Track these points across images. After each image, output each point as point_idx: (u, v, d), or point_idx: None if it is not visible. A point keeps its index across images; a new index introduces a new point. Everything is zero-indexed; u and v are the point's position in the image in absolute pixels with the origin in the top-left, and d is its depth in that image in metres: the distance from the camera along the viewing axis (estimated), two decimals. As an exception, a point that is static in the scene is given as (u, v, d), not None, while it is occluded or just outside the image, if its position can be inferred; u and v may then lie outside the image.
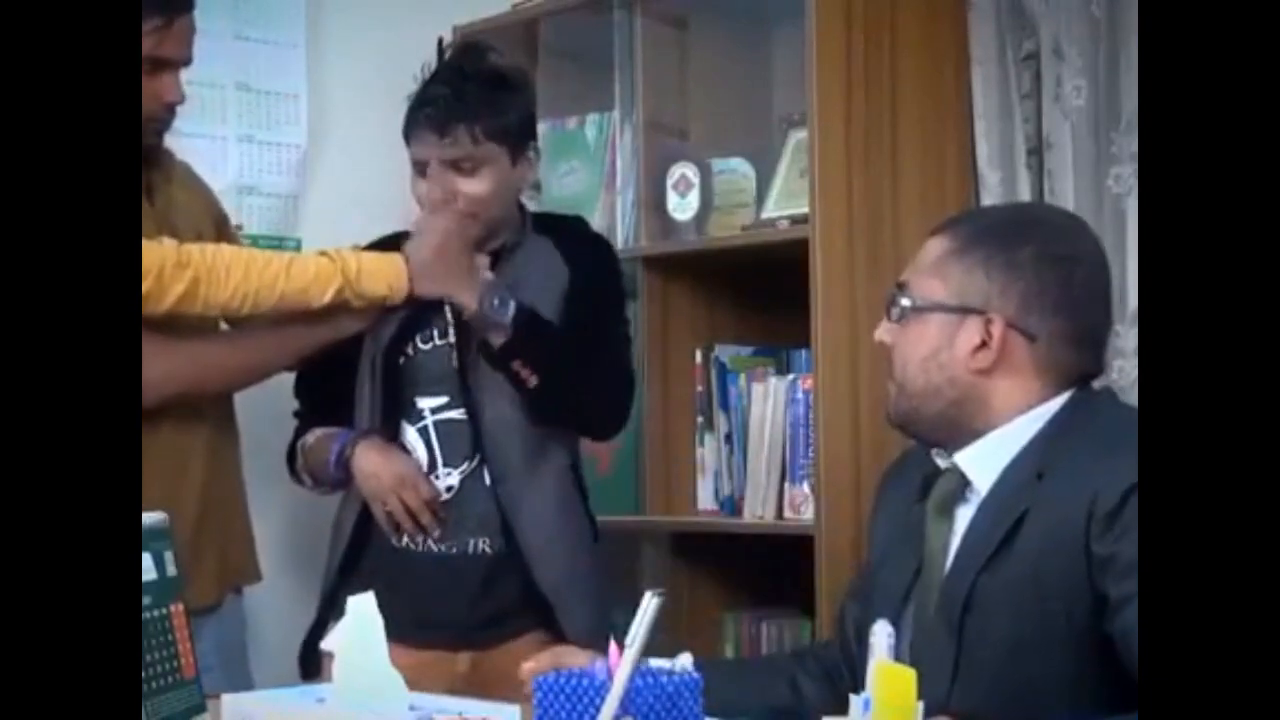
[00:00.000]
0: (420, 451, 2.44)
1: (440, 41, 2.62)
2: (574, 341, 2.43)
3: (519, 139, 2.47)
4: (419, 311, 2.45)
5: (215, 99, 3.01)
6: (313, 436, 2.51)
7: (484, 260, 2.44)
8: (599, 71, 3.18)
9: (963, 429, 1.79)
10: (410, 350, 2.46)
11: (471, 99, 2.43)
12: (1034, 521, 1.70)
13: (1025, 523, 1.70)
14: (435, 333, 2.46)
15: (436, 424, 2.44)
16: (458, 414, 2.44)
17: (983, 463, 1.78)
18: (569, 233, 2.57)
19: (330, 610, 2.40)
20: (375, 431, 2.44)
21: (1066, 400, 1.78)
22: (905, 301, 1.83)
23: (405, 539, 2.43)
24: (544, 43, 3.34)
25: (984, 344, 1.77)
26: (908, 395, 1.84)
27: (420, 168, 2.44)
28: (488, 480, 2.43)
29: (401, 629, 2.29)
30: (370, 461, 2.41)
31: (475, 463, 2.43)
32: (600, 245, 2.62)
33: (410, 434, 2.46)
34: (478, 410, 2.43)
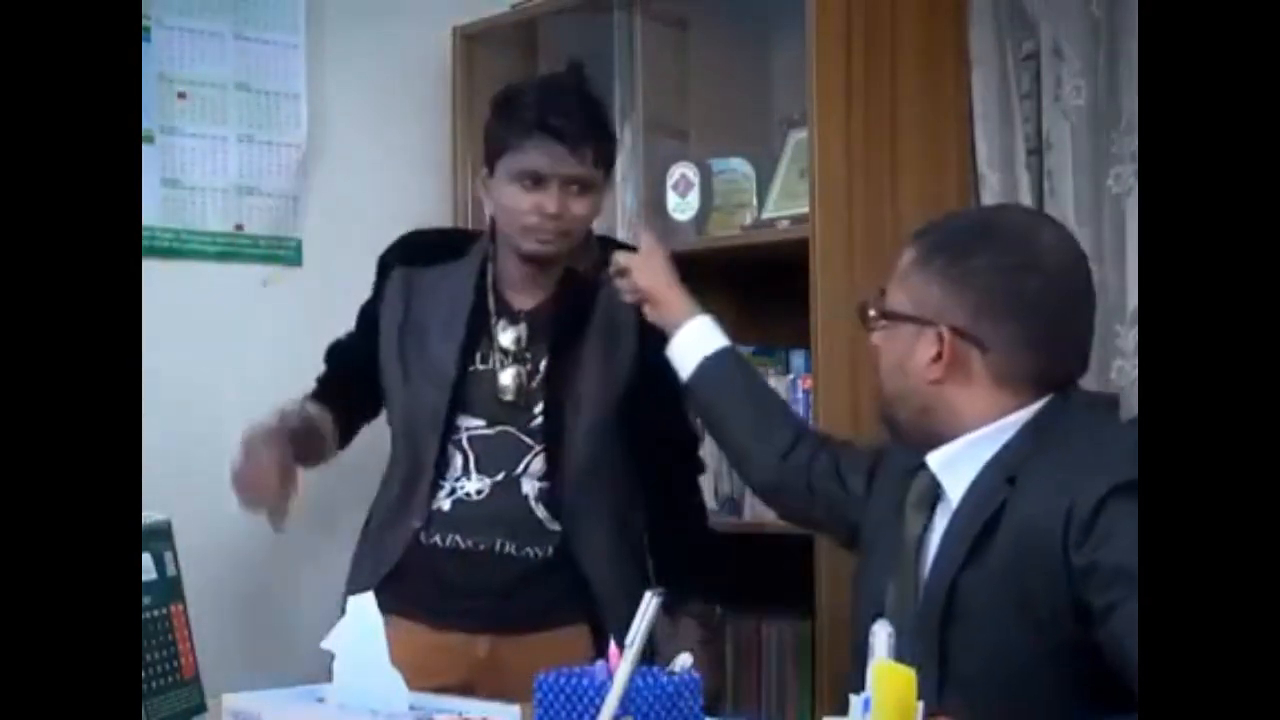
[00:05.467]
0: (456, 460, 2.47)
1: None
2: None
3: (611, 170, 2.54)
4: (471, 336, 2.48)
5: (215, 99, 3.02)
6: (295, 406, 2.52)
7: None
8: (599, 71, 3.18)
9: (933, 435, 1.81)
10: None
11: (594, 122, 2.47)
12: (1007, 526, 1.70)
13: (1000, 524, 1.70)
14: (478, 356, 2.49)
15: (471, 438, 2.47)
16: (491, 431, 2.47)
17: (953, 467, 1.79)
18: None
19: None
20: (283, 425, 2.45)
21: (1042, 406, 1.78)
22: (871, 311, 1.88)
23: (427, 535, 2.46)
24: (544, 43, 3.34)
25: (940, 355, 1.79)
26: (883, 400, 1.89)
27: (533, 178, 2.42)
28: (524, 491, 2.45)
29: (423, 613, 2.40)
30: (243, 440, 2.42)
31: (509, 475, 2.45)
32: None
33: (447, 446, 2.49)
34: (560, 431, 2.46)
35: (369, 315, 2.58)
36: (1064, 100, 2.78)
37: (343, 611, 1.79)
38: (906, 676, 1.40)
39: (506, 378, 2.47)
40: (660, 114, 3.04)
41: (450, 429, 2.46)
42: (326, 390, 2.59)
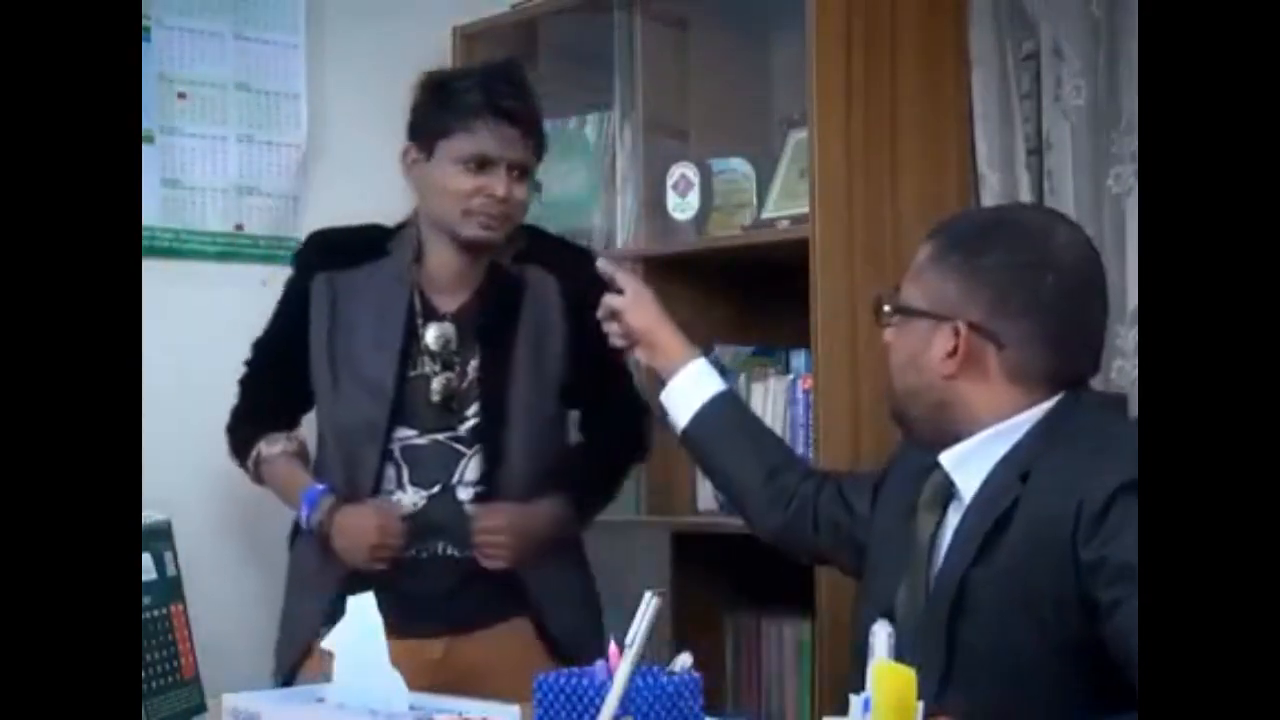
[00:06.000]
0: (389, 472, 2.46)
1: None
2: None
3: (541, 161, 2.54)
4: (406, 345, 2.47)
5: (215, 99, 3.02)
6: (275, 450, 2.51)
7: None
8: (599, 71, 3.18)
9: (947, 432, 1.81)
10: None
11: (537, 110, 2.50)
12: (1019, 523, 1.70)
13: (1012, 520, 1.71)
14: (409, 362, 2.47)
15: (403, 448, 2.46)
16: (423, 440, 2.46)
17: (966, 464, 1.80)
18: (573, 275, 2.53)
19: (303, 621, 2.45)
20: (340, 499, 2.45)
21: (1054, 405, 1.79)
22: (886, 307, 1.87)
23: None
24: (544, 43, 3.34)
25: (955, 349, 1.79)
26: (895, 397, 1.89)
27: (480, 161, 2.43)
28: (460, 498, 2.46)
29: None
30: (346, 533, 2.42)
31: (444, 486, 2.46)
32: (600, 288, 2.59)
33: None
34: (496, 435, 2.46)
35: (294, 318, 2.53)
36: (1064, 100, 2.78)
37: (341, 612, 1.79)
38: (906, 676, 1.40)
39: (437, 383, 2.46)
40: (660, 114, 3.04)
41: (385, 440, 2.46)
42: (275, 417, 2.56)
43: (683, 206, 2.96)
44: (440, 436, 2.46)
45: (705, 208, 2.95)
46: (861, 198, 2.72)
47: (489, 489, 2.46)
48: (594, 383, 2.52)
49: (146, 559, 1.70)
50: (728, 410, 2.21)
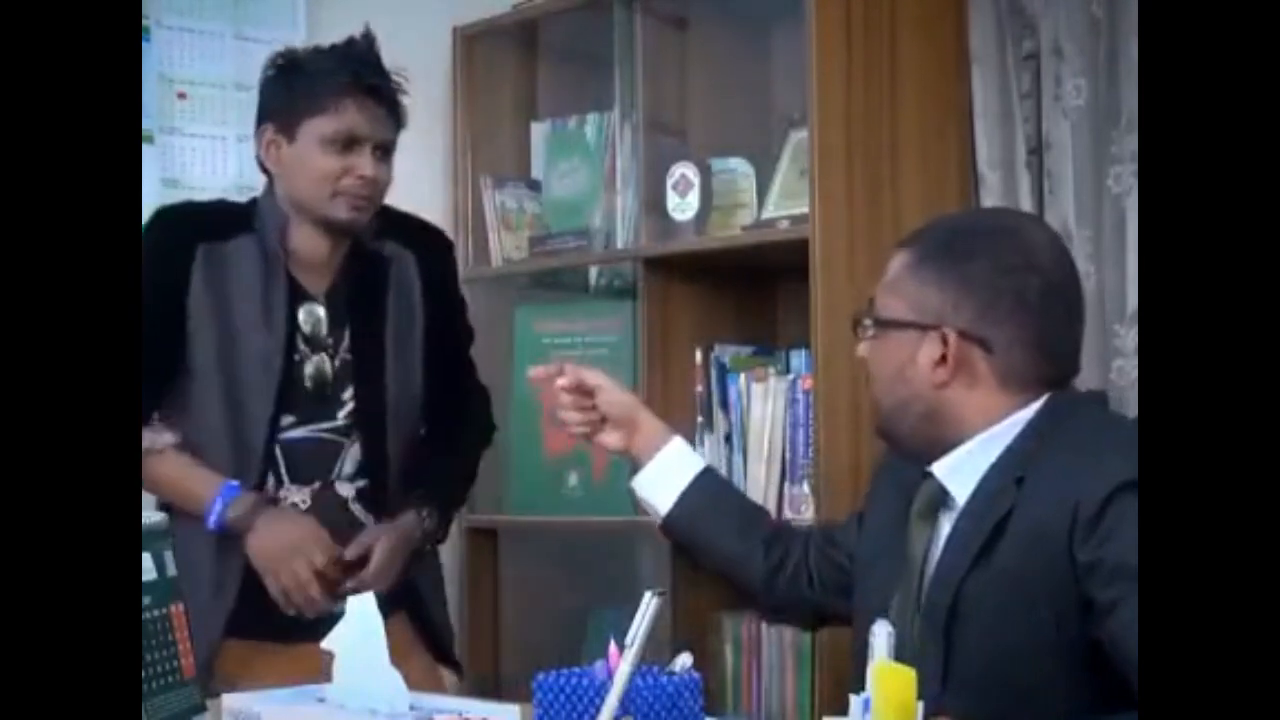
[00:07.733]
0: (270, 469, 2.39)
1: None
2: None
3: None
4: (289, 332, 2.39)
5: (215, 99, 3.02)
6: (165, 441, 2.33)
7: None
8: (599, 71, 3.18)
9: (937, 442, 1.81)
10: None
11: (394, 86, 2.44)
12: (1016, 527, 1.70)
13: (1008, 528, 1.70)
14: (287, 347, 2.39)
15: (283, 442, 2.38)
16: (301, 432, 2.40)
17: (958, 472, 1.79)
18: (430, 254, 2.54)
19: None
20: (264, 497, 2.36)
21: (1042, 405, 1.79)
22: (867, 320, 1.86)
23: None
24: (544, 42, 3.35)
25: (944, 358, 1.78)
26: (882, 412, 1.88)
27: (346, 141, 2.35)
28: (342, 494, 2.42)
29: (273, 632, 2.34)
30: (274, 540, 2.31)
31: (324, 482, 2.41)
32: (453, 270, 2.63)
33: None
34: (372, 422, 2.43)
35: (173, 287, 2.33)
36: (1064, 100, 2.78)
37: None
38: (906, 676, 1.40)
39: (310, 366, 2.39)
40: (660, 114, 3.04)
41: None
42: (150, 396, 2.32)
43: (683, 206, 2.96)
44: (318, 430, 2.39)
45: (705, 208, 2.95)
46: (861, 198, 2.72)
47: (370, 483, 2.42)
48: (445, 365, 2.49)
49: (146, 559, 1.69)
50: (714, 488, 2.18)
